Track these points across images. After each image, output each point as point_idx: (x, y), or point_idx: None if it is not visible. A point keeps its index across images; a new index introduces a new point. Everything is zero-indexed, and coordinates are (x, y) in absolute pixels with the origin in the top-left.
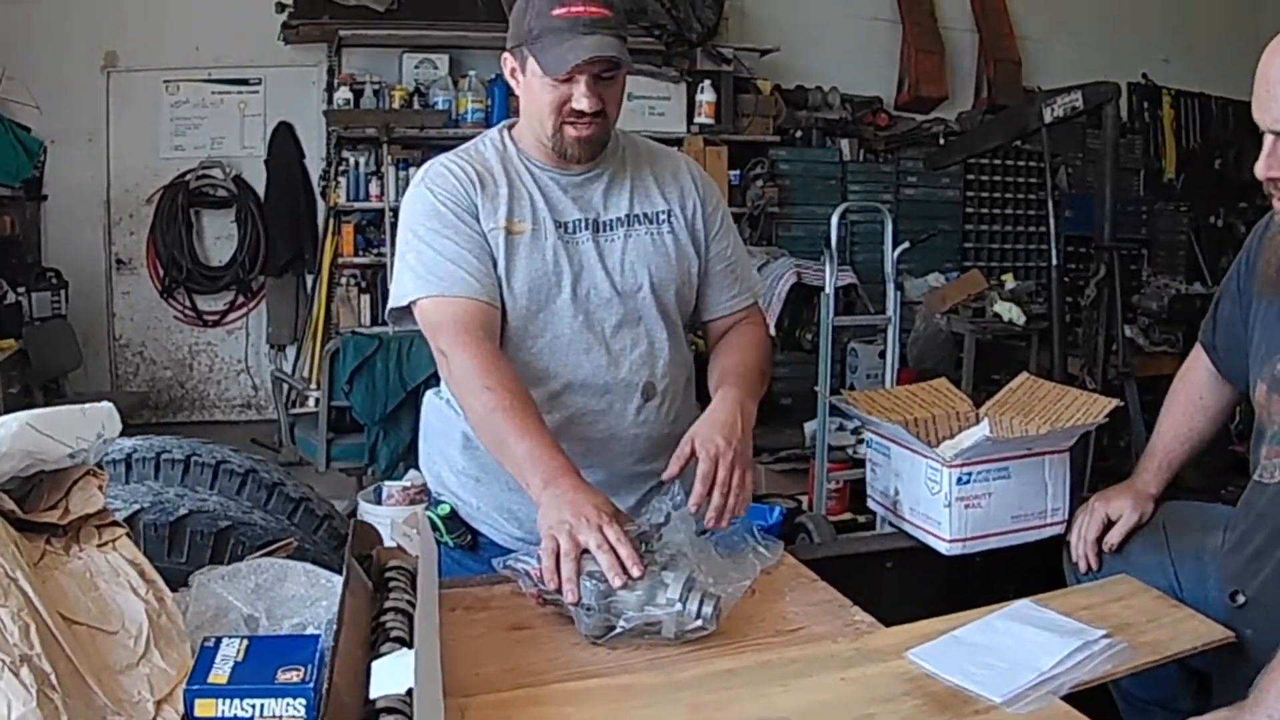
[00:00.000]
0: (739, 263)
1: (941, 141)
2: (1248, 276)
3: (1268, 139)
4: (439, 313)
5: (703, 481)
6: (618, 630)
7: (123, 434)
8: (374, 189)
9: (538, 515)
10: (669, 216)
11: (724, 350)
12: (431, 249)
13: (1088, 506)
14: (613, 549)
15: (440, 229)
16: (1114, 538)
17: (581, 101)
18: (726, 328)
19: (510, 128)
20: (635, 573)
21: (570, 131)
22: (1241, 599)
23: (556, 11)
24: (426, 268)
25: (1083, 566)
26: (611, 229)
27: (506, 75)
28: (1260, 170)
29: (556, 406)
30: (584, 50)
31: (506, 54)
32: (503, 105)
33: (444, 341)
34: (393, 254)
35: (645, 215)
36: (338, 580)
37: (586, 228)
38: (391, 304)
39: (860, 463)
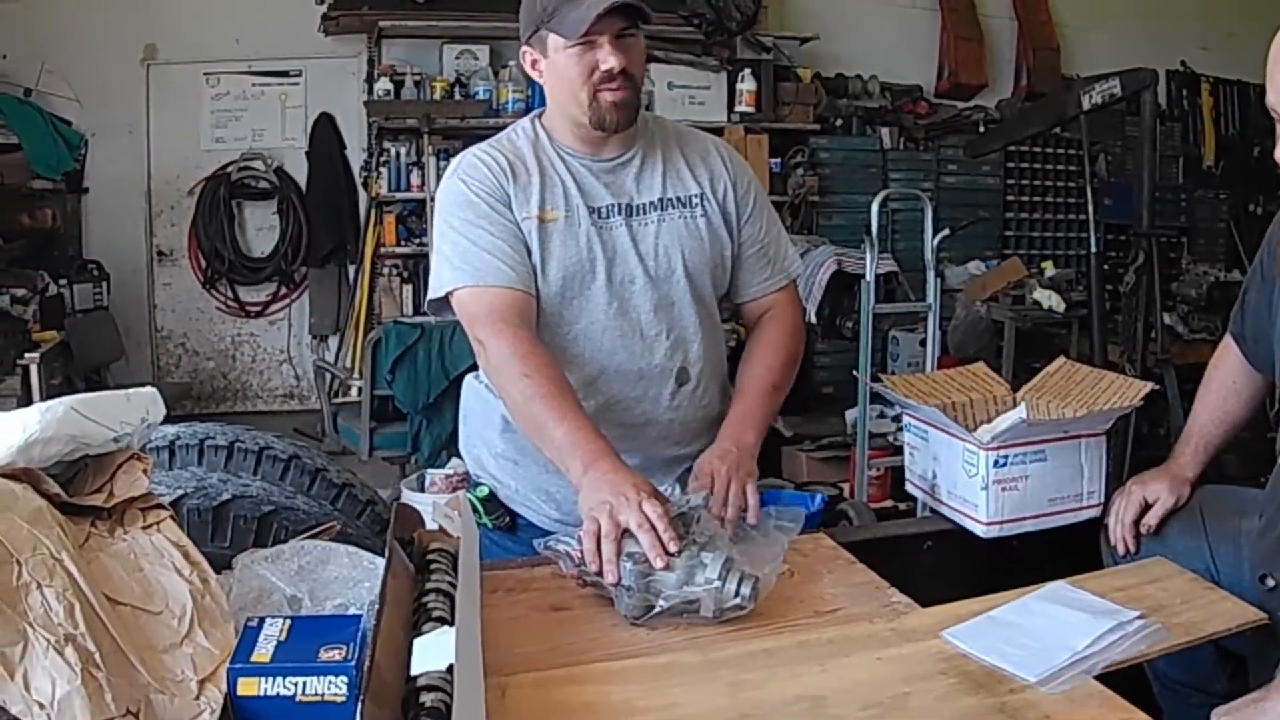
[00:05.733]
0: (772, 244)
1: (981, 129)
2: (1270, 263)
3: None
4: (475, 302)
5: (716, 506)
6: (657, 609)
7: (165, 423)
8: (415, 179)
9: (579, 499)
10: (701, 200)
11: (750, 357)
12: (466, 239)
13: (1125, 490)
14: (653, 527)
15: (474, 219)
16: (1151, 520)
17: (609, 60)
18: (761, 310)
19: (540, 116)
20: (673, 548)
21: (606, 97)
22: (1271, 582)
23: None
24: (462, 258)
25: (1120, 549)
26: (644, 213)
27: (528, 69)
28: None
29: (592, 393)
30: (597, 5)
31: (524, 48)
32: (543, 94)
33: (481, 331)
34: (434, 239)
35: (678, 199)
36: (380, 562)
37: (619, 212)
38: (430, 295)
39: (901, 450)
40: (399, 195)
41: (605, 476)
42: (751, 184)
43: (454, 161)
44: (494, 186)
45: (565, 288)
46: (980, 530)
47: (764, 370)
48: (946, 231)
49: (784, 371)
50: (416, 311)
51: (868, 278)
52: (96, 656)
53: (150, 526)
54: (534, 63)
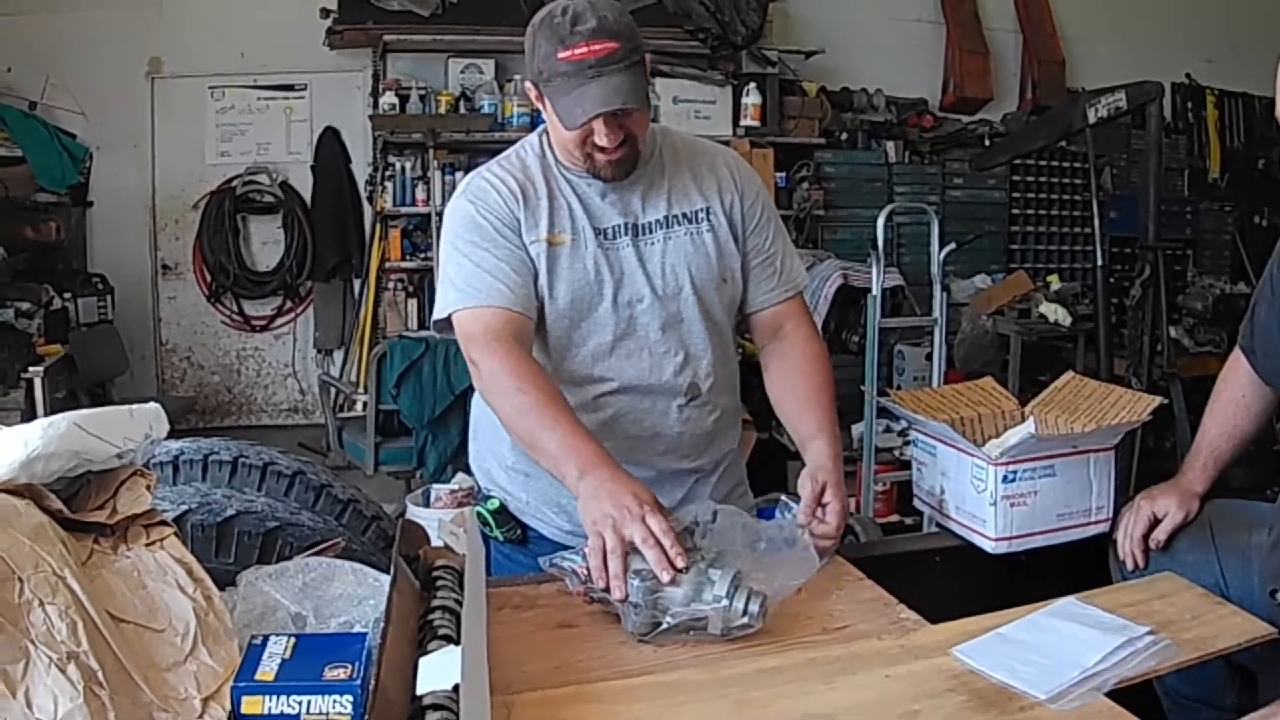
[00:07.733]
0: (778, 255)
1: (987, 143)
2: None
3: None
4: (473, 323)
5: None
6: (664, 626)
7: (169, 438)
8: (420, 193)
9: (578, 506)
10: (708, 214)
11: (793, 376)
12: (470, 261)
13: (1134, 505)
14: (658, 542)
15: (479, 242)
16: (1160, 535)
17: (603, 139)
18: (773, 324)
19: (546, 133)
20: (680, 564)
21: (600, 158)
22: None
23: (561, 55)
24: (464, 280)
25: (1129, 564)
26: (650, 231)
27: (534, 101)
28: None
29: (600, 406)
30: (592, 103)
31: (529, 83)
32: None
33: (475, 350)
34: (440, 259)
35: (684, 215)
36: (385, 579)
37: (626, 233)
38: (434, 316)
39: (907, 465)
40: (404, 209)
41: (604, 485)
42: (759, 195)
43: (463, 182)
44: (503, 211)
45: (573, 309)
46: (989, 546)
47: (821, 384)
48: (952, 245)
49: (830, 373)
50: (421, 326)
51: (873, 292)
52: (99, 674)
53: (153, 543)
54: (538, 97)
